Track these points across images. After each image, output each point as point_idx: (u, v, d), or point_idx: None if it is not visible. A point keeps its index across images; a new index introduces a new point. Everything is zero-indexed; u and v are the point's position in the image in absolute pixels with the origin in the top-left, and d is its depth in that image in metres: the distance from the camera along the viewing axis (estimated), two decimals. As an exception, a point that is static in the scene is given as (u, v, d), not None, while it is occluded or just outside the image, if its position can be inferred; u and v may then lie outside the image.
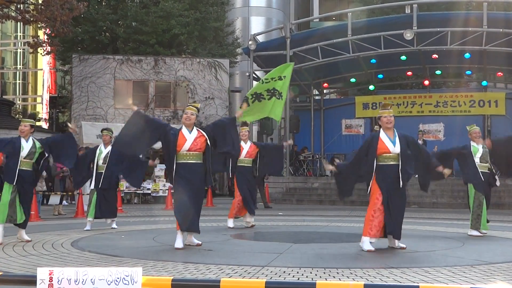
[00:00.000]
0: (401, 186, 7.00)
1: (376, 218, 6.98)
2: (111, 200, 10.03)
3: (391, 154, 7.06)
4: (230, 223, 10.18)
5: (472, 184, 8.99)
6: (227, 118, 8.34)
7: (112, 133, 10.53)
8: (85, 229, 9.68)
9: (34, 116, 8.63)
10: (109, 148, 10.07)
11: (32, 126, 8.18)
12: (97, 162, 9.99)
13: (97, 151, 10.10)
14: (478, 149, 9.05)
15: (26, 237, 8.04)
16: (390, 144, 7.08)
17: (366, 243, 6.99)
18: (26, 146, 7.97)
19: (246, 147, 10.32)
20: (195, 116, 7.48)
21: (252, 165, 10.34)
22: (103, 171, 9.87)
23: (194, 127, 7.43)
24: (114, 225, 10.11)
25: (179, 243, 7.13)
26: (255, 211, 10.36)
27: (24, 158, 7.91)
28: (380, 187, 7.03)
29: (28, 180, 7.97)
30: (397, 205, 7.02)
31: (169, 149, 7.31)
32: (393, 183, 7.02)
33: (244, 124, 11.02)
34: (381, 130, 7.22)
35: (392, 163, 7.07)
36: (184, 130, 7.35)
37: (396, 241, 7.11)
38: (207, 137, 7.35)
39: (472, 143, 9.13)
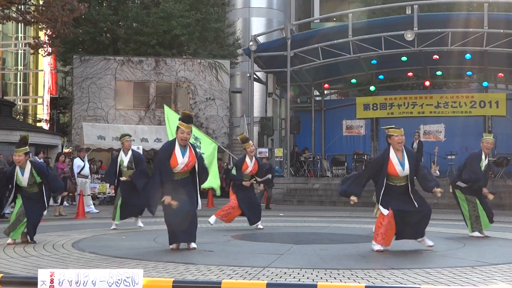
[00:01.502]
0: (417, 207, 7.01)
1: (383, 227, 7.03)
2: (136, 201, 9.96)
3: (400, 177, 7.09)
4: (212, 219, 10.09)
5: (459, 189, 8.97)
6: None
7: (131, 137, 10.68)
8: (111, 228, 9.97)
9: (25, 141, 8.21)
10: (130, 153, 10.14)
11: (26, 154, 7.95)
12: (121, 169, 10.07)
13: (119, 159, 10.12)
14: (483, 165, 9.00)
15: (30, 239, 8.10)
16: (399, 168, 7.07)
17: (377, 245, 7.09)
18: (23, 179, 7.88)
19: (251, 164, 10.08)
20: (191, 134, 7.27)
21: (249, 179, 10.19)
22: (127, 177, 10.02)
23: (187, 145, 7.21)
24: (139, 224, 10.22)
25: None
26: (260, 216, 10.32)
27: (26, 187, 7.94)
28: (390, 204, 7.04)
29: (34, 200, 7.99)
30: (411, 213, 7.03)
31: (162, 166, 7.11)
32: (402, 198, 7.07)
33: (247, 139, 10.49)
34: (391, 149, 7.16)
35: (401, 184, 7.12)
36: (177, 150, 7.09)
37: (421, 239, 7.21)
38: (196, 159, 7.23)
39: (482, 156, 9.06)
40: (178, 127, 7.14)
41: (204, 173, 7.46)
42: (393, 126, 7.39)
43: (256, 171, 10.21)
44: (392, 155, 7.10)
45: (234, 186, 10.20)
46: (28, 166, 7.91)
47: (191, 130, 7.23)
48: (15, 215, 7.91)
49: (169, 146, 7.19)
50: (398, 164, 7.05)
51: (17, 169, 7.90)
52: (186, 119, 7.15)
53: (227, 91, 24.97)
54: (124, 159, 9.99)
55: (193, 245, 7.28)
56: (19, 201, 7.99)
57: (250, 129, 22.46)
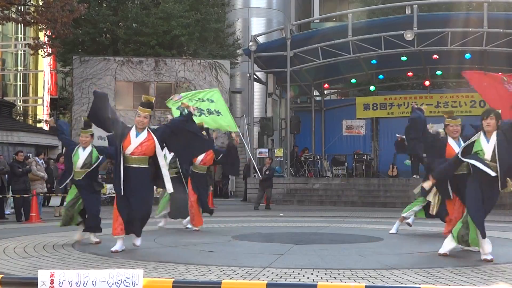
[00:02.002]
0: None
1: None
2: (181, 202, 9.83)
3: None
4: (186, 221, 10.01)
5: None
6: (179, 119, 7.75)
7: None
8: (159, 225, 10.06)
9: (90, 123, 8.53)
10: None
11: (92, 135, 8.34)
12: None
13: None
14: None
15: (94, 239, 8.09)
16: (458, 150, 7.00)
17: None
18: (82, 154, 8.10)
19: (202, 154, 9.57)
20: (149, 119, 7.13)
21: (207, 172, 9.93)
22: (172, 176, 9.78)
23: (146, 129, 7.08)
24: (189, 225, 10.05)
25: (117, 246, 7.01)
26: (210, 210, 10.18)
27: (80, 168, 8.05)
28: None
29: (86, 188, 8.06)
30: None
31: (117, 148, 7.09)
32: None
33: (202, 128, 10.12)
34: (448, 137, 7.30)
35: (463, 172, 6.83)
36: (133, 132, 7.02)
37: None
38: (156, 141, 7.01)
39: None
40: (137, 111, 7.15)
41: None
42: (452, 114, 7.40)
43: (213, 160, 9.87)
44: (450, 140, 7.25)
45: (192, 182, 9.87)
46: (90, 147, 8.21)
47: (148, 115, 7.08)
48: (68, 204, 8.13)
49: (125, 128, 7.10)
50: (457, 147, 7.08)
51: (79, 148, 8.21)
52: (145, 104, 7.13)
53: (227, 91, 24.97)
54: (168, 156, 9.52)
55: (136, 241, 7.18)
56: (73, 191, 8.12)
57: (250, 129, 22.46)
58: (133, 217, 6.98)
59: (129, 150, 6.95)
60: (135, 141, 6.96)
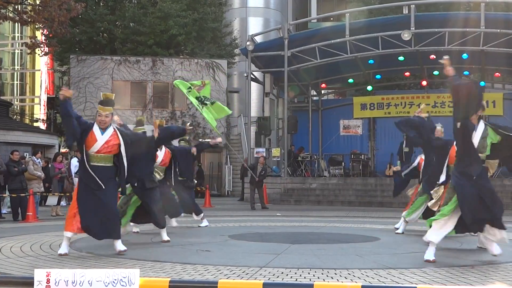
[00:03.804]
0: None
1: None
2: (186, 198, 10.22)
3: None
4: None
5: None
6: (147, 137, 7.61)
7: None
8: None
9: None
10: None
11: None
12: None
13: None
14: None
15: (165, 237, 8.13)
16: None
17: None
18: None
19: (161, 154, 9.26)
20: (111, 117, 6.88)
21: (165, 173, 9.41)
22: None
23: (111, 126, 6.88)
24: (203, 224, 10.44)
25: (63, 249, 6.75)
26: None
27: None
28: None
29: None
30: None
31: (80, 147, 6.79)
32: None
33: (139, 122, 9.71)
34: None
35: None
36: (96, 129, 6.77)
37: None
38: (122, 142, 6.79)
39: None
40: (97, 110, 6.87)
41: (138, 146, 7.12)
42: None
43: (169, 161, 9.47)
44: None
45: None
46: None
47: (109, 113, 6.84)
48: None
49: (90, 125, 6.83)
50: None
51: None
52: (104, 101, 6.89)
53: (224, 91, 24.96)
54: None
55: (117, 245, 6.85)
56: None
57: (248, 129, 22.45)
58: (99, 218, 6.69)
59: (93, 148, 6.70)
60: (101, 138, 6.72)
